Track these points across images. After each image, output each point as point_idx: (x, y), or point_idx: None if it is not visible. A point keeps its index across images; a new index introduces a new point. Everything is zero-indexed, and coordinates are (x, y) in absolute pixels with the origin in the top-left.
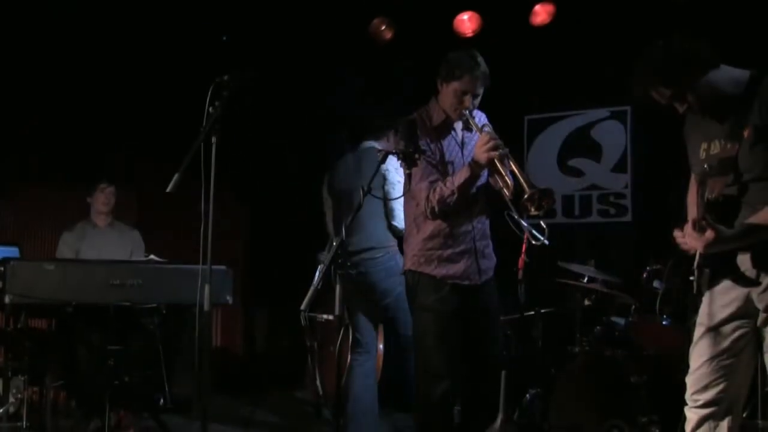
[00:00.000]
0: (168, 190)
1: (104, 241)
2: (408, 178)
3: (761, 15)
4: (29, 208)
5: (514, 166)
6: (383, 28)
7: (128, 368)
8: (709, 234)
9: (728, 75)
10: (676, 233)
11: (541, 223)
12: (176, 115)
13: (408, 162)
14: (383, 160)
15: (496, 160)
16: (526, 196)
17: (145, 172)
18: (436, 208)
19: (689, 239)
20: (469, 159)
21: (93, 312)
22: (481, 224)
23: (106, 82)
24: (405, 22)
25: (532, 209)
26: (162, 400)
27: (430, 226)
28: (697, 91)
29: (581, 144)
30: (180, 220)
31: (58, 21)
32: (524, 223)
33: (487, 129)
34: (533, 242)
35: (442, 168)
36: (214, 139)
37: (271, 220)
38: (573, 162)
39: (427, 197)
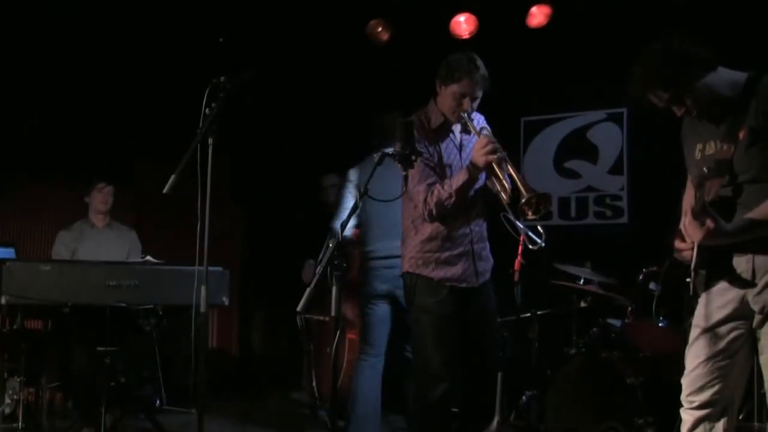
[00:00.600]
0: (165, 191)
1: (101, 241)
2: (405, 179)
3: (758, 16)
4: (26, 208)
5: (511, 170)
6: (380, 29)
7: (124, 369)
8: (710, 223)
9: (725, 77)
10: (678, 244)
11: (538, 227)
12: (175, 115)
13: (405, 163)
14: (380, 162)
15: (494, 164)
16: (523, 201)
17: (143, 173)
18: (434, 211)
19: (688, 229)
20: (467, 161)
21: (89, 313)
22: (479, 227)
23: (104, 83)
24: (402, 23)
25: (530, 213)
26: (158, 401)
27: (428, 229)
28: (695, 94)
29: (578, 146)
30: (178, 220)
31: (58, 21)
32: (521, 226)
33: (485, 132)
34: (530, 247)
35: (440, 170)
36: (210, 141)
37: (268, 221)
38: (569, 164)
39: (425, 200)
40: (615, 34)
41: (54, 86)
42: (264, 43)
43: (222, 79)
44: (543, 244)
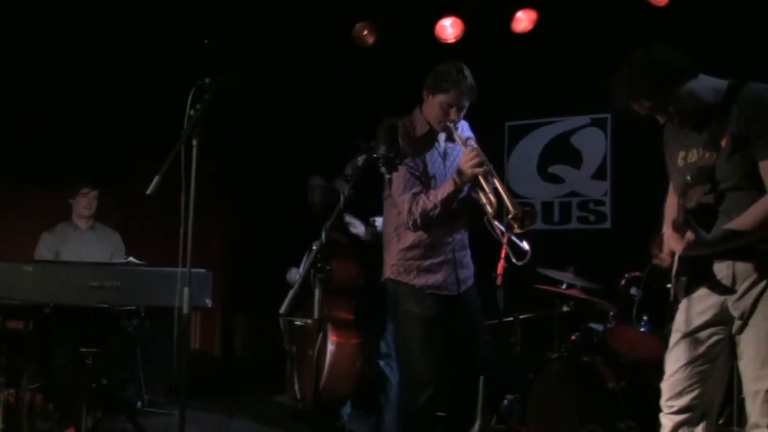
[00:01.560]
0: (148, 192)
1: (84, 243)
2: (389, 182)
3: (738, 22)
4: (8, 208)
5: (498, 184)
6: (366, 32)
7: (106, 371)
8: (690, 235)
9: (707, 84)
10: (656, 251)
11: (525, 243)
12: (161, 116)
13: (389, 167)
14: (364, 166)
15: (480, 177)
16: (510, 216)
17: (128, 173)
18: (419, 221)
19: (669, 240)
20: (451, 170)
21: (71, 314)
22: (461, 235)
23: (89, 84)
24: (388, 27)
25: (516, 227)
26: (139, 403)
27: (411, 237)
28: (677, 102)
29: (561, 151)
30: (162, 221)
31: (45, 22)
32: (513, 237)
33: (471, 143)
34: (516, 262)
35: (425, 179)
36: (195, 142)
37: (251, 223)
38: (553, 169)
39: (410, 209)
40: (600, 40)
41: (38, 88)
42: (251, 44)
43: (207, 80)
44: (528, 251)
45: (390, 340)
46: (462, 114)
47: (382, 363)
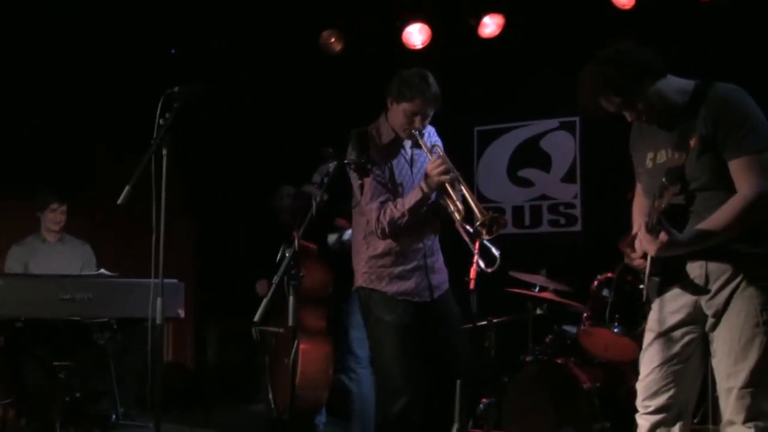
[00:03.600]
0: (119, 202)
1: (54, 256)
2: (360, 188)
3: (705, 25)
4: None
5: (465, 191)
6: (333, 40)
7: (79, 384)
8: (663, 236)
9: (675, 85)
10: (627, 250)
11: (494, 249)
12: (130, 125)
13: (360, 172)
14: (336, 171)
15: (447, 184)
16: (478, 223)
17: (97, 183)
18: (387, 230)
19: (642, 241)
20: (419, 177)
21: (42, 327)
22: (431, 241)
23: (57, 91)
24: (355, 34)
25: (484, 233)
26: (113, 416)
27: (381, 245)
28: (647, 100)
29: (531, 154)
30: (132, 231)
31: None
32: (485, 242)
33: (437, 150)
34: (487, 269)
35: (392, 187)
36: (164, 152)
37: (221, 233)
38: (523, 172)
39: (378, 218)
40: (567, 44)
41: (3, 99)
42: (216, 54)
43: (175, 89)
44: (498, 256)
45: (355, 350)
46: (427, 121)
47: (342, 376)
